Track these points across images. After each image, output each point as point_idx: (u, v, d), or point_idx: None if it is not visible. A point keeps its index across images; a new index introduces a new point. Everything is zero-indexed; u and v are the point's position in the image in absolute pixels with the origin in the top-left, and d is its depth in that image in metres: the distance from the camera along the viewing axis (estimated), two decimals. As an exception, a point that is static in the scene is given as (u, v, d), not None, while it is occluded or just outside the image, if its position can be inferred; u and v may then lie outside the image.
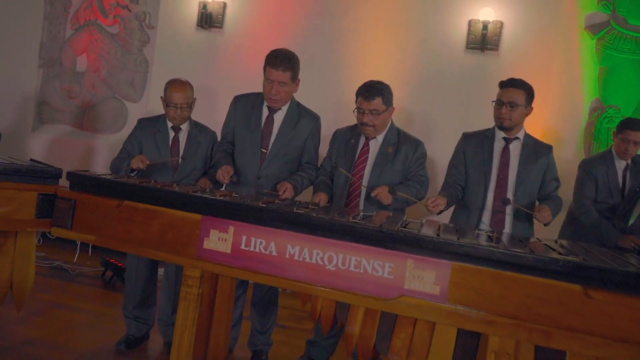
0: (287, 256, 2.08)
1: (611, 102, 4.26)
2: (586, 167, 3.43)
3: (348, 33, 4.63)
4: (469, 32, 4.40)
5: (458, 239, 1.92)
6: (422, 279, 1.92)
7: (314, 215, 2.07)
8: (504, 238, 2.15)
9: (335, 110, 4.27)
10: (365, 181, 2.83)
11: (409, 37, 4.52)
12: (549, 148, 2.92)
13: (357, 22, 4.62)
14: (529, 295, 1.80)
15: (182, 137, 3.12)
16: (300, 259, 2.06)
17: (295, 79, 2.88)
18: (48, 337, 3.07)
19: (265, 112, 2.96)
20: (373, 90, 2.76)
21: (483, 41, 4.34)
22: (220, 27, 4.86)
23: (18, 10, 5.37)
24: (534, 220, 2.75)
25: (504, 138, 2.90)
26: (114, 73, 5.19)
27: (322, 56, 4.62)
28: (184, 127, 3.13)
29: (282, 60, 2.78)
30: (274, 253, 2.10)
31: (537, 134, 4.25)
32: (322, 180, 2.98)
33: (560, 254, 1.94)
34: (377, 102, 2.75)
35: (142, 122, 3.18)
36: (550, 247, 2.08)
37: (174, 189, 2.33)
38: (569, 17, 4.33)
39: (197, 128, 3.18)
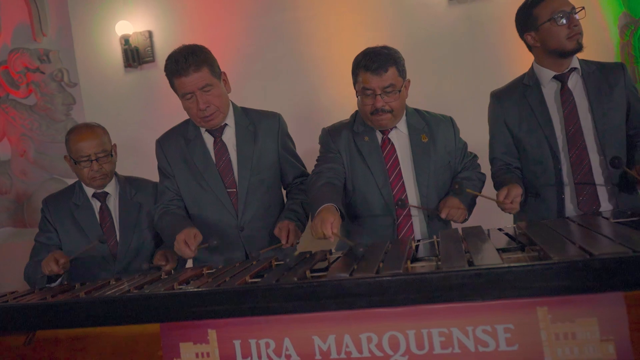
0: (318, 357, 1.18)
1: (644, 12, 3.43)
2: None
3: (305, 25, 3.77)
4: (448, -19, 3.57)
5: (634, 251, 1.01)
6: (575, 337, 1.03)
7: (347, 275, 1.16)
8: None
9: (315, 116, 3.44)
10: (412, 193, 1.92)
11: (378, 7, 3.68)
12: (620, 66, 1.99)
13: (312, 10, 3.76)
14: None
15: (113, 205, 2.22)
16: (343, 357, 1.16)
17: (218, 74, 1.99)
18: None
19: (208, 140, 2.06)
20: (382, 59, 1.83)
21: (467, -15, 3.51)
22: (152, 61, 3.99)
23: None
24: None
25: (555, 77, 1.99)
26: (44, 150, 4.27)
27: (283, 62, 3.77)
28: (111, 189, 2.23)
29: (187, 59, 1.90)
30: (295, 357, 1.20)
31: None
32: (323, 186, 1.82)
33: None
34: (392, 75, 1.83)
35: (49, 202, 2.27)
36: None
37: (107, 294, 1.42)
38: None
39: (131, 185, 2.28)
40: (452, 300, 1.08)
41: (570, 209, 1.96)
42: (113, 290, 1.46)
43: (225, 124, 2.05)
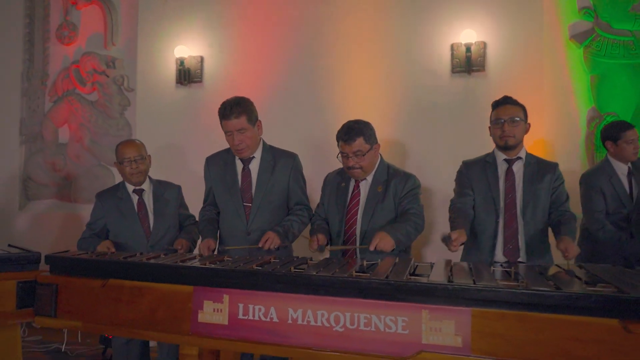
0: (289, 321, 1.89)
1: (608, 110, 4.12)
2: (589, 181, 3.27)
3: (330, 72, 4.51)
4: (453, 56, 4.29)
5: (474, 282, 1.73)
6: (441, 330, 1.73)
7: (314, 273, 1.89)
8: (523, 272, 1.96)
9: (324, 152, 4.13)
10: (358, 225, 2.67)
11: (392, 68, 4.40)
12: (554, 165, 2.76)
13: (338, 60, 4.51)
14: (563, 336, 1.61)
15: (148, 198, 3.01)
16: (305, 323, 1.87)
17: (253, 121, 2.74)
18: None
19: (239, 165, 2.83)
20: (352, 132, 2.60)
21: (468, 64, 4.22)
22: (200, 82, 4.76)
23: (-5, 89, 5.29)
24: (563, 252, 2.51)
25: (505, 160, 2.75)
26: (97, 140, 5.07)
27: (306, 99, 4.50)
28: (146, 187, 3.03)
29: (232, 108, 2.67)
30: (276, 319, 1.91)
31: (537, 151, 4.10)
32: (318, 225, 2.82)
33: (588, 283, 1.75)
34: (359, 143, 2.59)
35: (101, 196, 3.07)
36: (576, 277, 1.90)
37: (160, 262, 2.15)
38: (553, 29, 4.23)
39: (161, 186, 3.09)
40: (374, 298, 1.78)
41: (499, 255, 2.68)
42: (165, 260, 2.18)
43: (253, 157, 2.79)
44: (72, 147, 5.13)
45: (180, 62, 4.73)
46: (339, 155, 2.67)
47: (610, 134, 3.27)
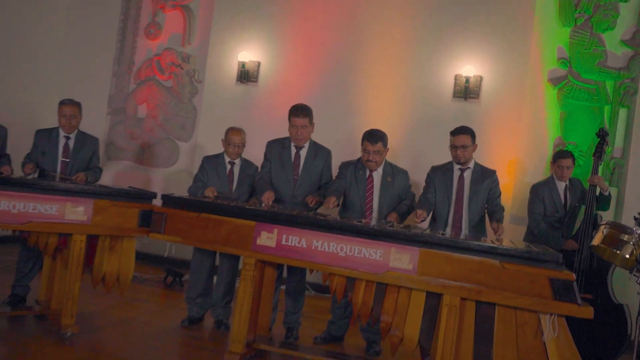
0: (313, 248, 3.12)
1: (570, 140, 5.27)
2: (535, 191, 4.44)
3: (357, 86, 5.75)
4: (455, 84, 5.47)
5: (422, 233, 2.97)
6: (401, 259, 2.96)
7: (331, 219, 3.14)
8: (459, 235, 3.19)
9: (346, 146, 5.29)
10: (375, 203, 3.88)
11: (406, 88, 5.61)
12: (493, 172, 3.94)
13: (364, 77, 5.73)
14: (467, 268, 2.83)
15: (236, 170, 4.24)
16: (322, 250, 3.10)
17: (312, 122, 3.98)
18: (136, 316, 4.18)
19: (293, 150, 4.05)
20: (376, 137, 3.79)
21: (466, 92, 5.41)
22: (256, 82, 6.01)
23: (90, 69, 6.61)
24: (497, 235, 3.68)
25: (459, 169, 3.92)
26: (169, 119, 6.37)
27: (336, 105, 5.72)
28: (237, 162, 4.26)
29: (301, 110, 3.91)
30: (304, 246, 3.15)
31: (511, 167, 5.30)
32: (335, 188, 3.83)
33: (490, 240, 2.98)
34: (379, 145, 3.78)
35: (207, 159, 4.31)
36: (492, 242, 3.11)
37: (236, 205, 3.42)
38: (535, 72, 5.39)
39: (246, 163, 4.32)
40: (365, 237, 3.02)
41: (448, 231, 3.86)
42: (237, 204, 3.44)
43: (303, 146, 4.03)
44: (148, 122, 6.44)
45: (242, 64, 5.99)
46: (362, 151, 3.84)
47: (554, 157, 4.45)
